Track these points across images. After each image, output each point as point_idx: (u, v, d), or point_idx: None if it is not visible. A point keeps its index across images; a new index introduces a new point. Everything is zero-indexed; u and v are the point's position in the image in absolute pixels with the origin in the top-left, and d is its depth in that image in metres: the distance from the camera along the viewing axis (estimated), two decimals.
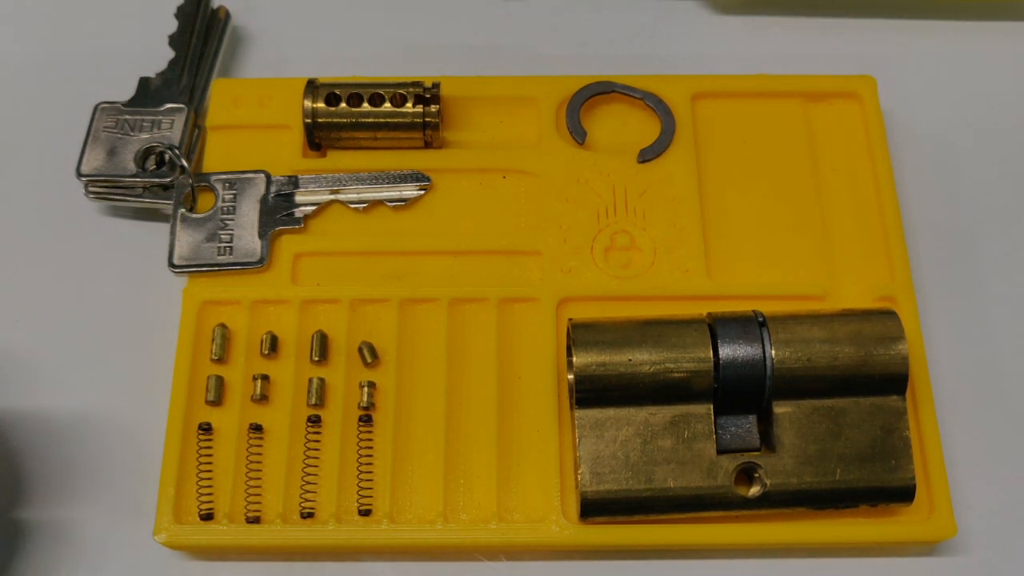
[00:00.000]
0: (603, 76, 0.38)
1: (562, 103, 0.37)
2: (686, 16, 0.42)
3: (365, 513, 0.32)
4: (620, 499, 0.31)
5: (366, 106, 0.36)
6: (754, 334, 0.32)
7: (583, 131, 0.37)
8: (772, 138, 0.37)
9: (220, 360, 0.34)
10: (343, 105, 0.36)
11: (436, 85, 0.36)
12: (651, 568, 0.32)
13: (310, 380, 0.33)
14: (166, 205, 0.36)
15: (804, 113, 0.38)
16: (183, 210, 0.35)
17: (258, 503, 0.32)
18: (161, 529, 0.31)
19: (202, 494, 0.32)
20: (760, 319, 0.32)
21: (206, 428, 0.33)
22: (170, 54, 0.39)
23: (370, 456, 0.33)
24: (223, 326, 0.34)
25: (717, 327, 0.32)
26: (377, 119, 0.36)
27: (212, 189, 0.36)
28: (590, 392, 0.32)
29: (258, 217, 0.35)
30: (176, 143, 0.36)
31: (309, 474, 0.32)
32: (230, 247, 0.35)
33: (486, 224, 0.36)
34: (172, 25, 0.39)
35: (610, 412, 0.32)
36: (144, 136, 0.37)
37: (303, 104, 0.36)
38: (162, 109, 0.37)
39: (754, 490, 0.32)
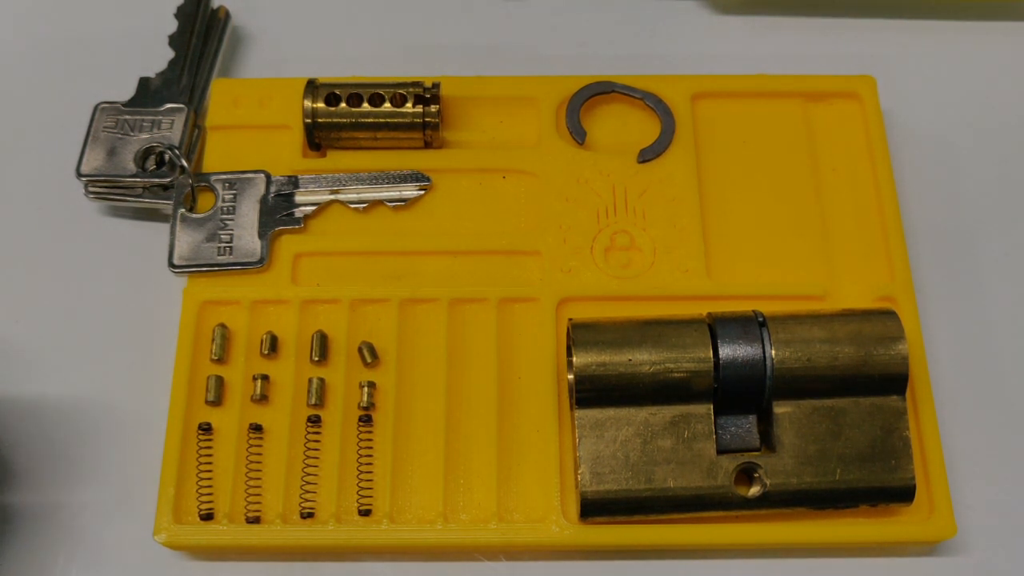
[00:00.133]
0: (603, 76, 0.38)
1: (562, 103, 0.37)
2: (686, 16, 0.42)
3: (365, 513, 0.32)
4: (620, 499, 0.31)
5: (366, 106, 0.36)
6: (754, 334, 0.32)
7: (583, 131, 0.37)
8: (772, 138, 0.37)
9: (220, 360, 0.34)
10: (343, 105, 0.36)
11: (436, 85, 0.36)
12: (651, 568, 0.32)
13: (310, 380, 0.33)
14: (166, 205, 0.36)
15: (804, 113, 0.38)
16: (183, 210, 0.35)
17: (258, 503, 0.32)
18: (161, 529, 0.31)
19: (202, 494, 0.32)
20: (760, 319, 0.32)
21: (206, 428, 0.33)
22: (170, 54, 0.39)
23: (370, 456, 0.33)
24: (223, 326, 0.34)
25: (717, 327, 0.32)
26: (377, 119, 0.36)
27: (212, 189, 0.36)
28: (590, 392, 0.32)
29: (258, 217, 0.35)
30: (176, 143, 0.36)
31: (309, 474, 0.32)
32: (230, 247, 0.35)
33: (486, 224, 0.36)
34: (172, 25, 0.39)
35: (610, 412, 0.32)
36: (144, 136, 0.37)
37: (303, 104, 0.36)
38: (162, 109, 0.37)
39: (754, 490, 0.32)
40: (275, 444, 0.33)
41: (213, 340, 0.34)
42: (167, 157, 0.36)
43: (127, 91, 0.38)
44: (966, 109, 0.40)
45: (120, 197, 0.36)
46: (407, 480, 0.32)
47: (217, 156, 0.36)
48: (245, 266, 0.35)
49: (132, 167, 0.36)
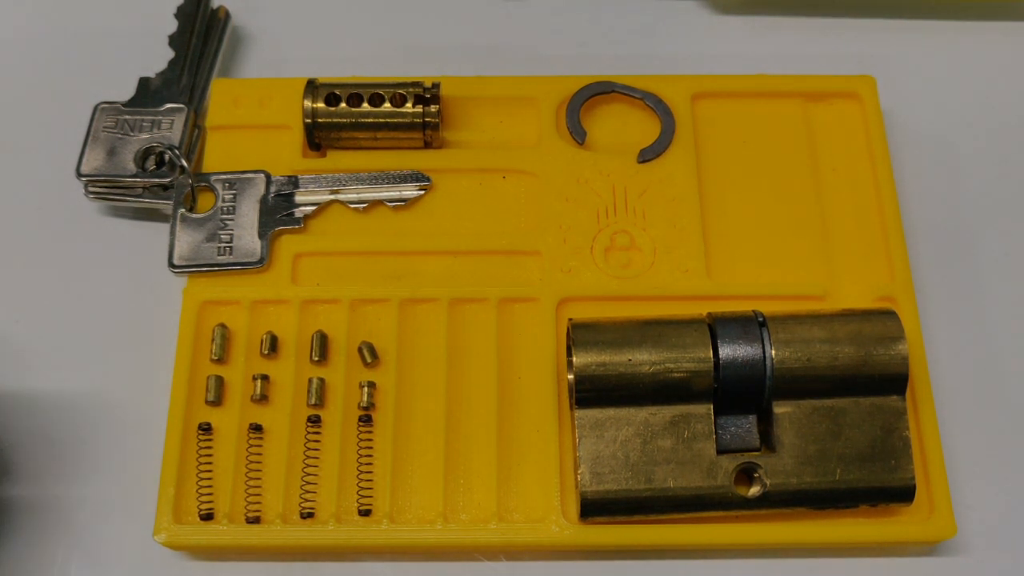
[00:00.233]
0: (603, 76, 0.38)
1: (562, 103, 0.37)
2: (686, 16, 0.42)
3: (365, 513, 0.32)
4: (620, 499, 0.31)
5: (366, 106, 0.36)
6: (754, 334, 0.32)
7: (583, 131, 0.37)
8: (772, 138, 0.37)
9: (220, 360, 0.34)
10: (343, 105, 0.36)
11: (436, 85, 0.36)
12: (651, 568, 0.32)
13: (310, 380, 0.33)
14: (166, 205, 0.36)
15: (804, 113, 0.38)
16: (183, 210, 0.35)
17: (258, 503, 0.32)
18: (161, 529, 0.31)
19: (202, 494, 0.32)
20: (760, 319, 0.32)
21: (206, 428, 0.33)
22: (170, 54, 0.39)
23: (370, 456, 0.33)
24: (223, 326, 0.34)
25: (717, 327, 0.32)
26: (377, 119, 0.36)
27: (212, 189, 0.36)
28: (590, 392, 0.32)
29: (258, 217, 0.35)
30: (176, 143, 0.36)
31: (309, 474, 0.32)
32: (230, 247, 0.35)
33: (486, 224, 0.36)
34: (172, 25, 0.39)
35: (610, 412, 0.32)
36: (144, 136, 0.37)
37: (303, 104, 0.36)
38: (162, 109, 0.37)
39: (754, 490, 0.32)
40: (275, 444, 0.33)
41: (213, 340, 0.34)
42: (167, 157, 0.36)
43: (127, 91, 0.38)
44: (966, 109, 0.40)
45: (120, 197, 0.36)
46: (407, 480, 0.32)
47: (217, 156, 0.36)
48: (245, 266, 0.35)
49: (132, 167, 0.36)
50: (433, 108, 0.36)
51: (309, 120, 0.36)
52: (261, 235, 0.35)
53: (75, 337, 0.35)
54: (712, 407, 0.32)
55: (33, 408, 0.34)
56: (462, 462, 0.33)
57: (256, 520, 0.32)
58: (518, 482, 0.32)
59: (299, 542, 0.31)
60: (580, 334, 0.32)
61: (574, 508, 0.32)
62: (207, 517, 0.32)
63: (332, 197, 0.36)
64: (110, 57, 0.40)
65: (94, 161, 0.36)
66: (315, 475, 0.32)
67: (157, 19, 0.40)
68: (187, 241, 0.35)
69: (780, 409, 0.32)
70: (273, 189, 0.36)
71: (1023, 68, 0.41)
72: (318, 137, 0.36)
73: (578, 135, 0.37)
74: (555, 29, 0.41)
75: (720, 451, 0.32)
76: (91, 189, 0.36)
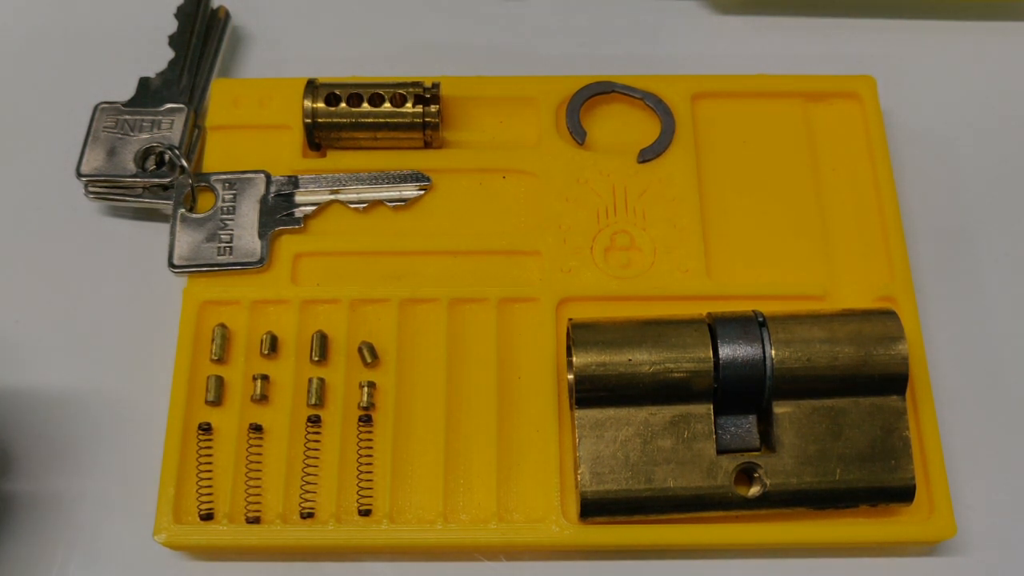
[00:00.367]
0: (603, 76, 0.38)
1: (562, 103, 0.37)
2: (686, 16, 0.42)
3: (365, 513, 0.32)
4: (620, 499, 0.31)
5: (366, 106, 0.36)
6: (754, 334, 0.32)
7: (583, 131, 0.37)
8: (772, 138, 0.37)
9: (220, 360, 0.34)
10: (343, 105, 0.36)
11: (436, 85, 0.36)
12: (651, 568, 0.32)
13: (310, 380, 0.33)
14: (166, 205, 0.36)
15: (804, 113, 0.38)
16: (183, 210, 0.35)
17: (258, 503, 0.32)
18: (161, 529, 0.31)
19: (202, 494, 0.32)
20: (760, 319, 0.32)
21: (206, 428, 0.33)
22: (170, 54, 0.39)
23: (370, 456, 0.33)
24: (223, 326, 0.34)
25: (717, 327, 0.32)
26: (377, 119, 0.36)
27: (212, 189, 0.36)
28: (590, 392, 0.32)
29: (258, 217, 0.35)
30: (176, 143, 0.36)
31: (309, 474, 0.32)
32: (230, 247, 0.35)
33: (486, 224, 0.36)
34: (172, 25, 0.39)
35: (610, 412, 0.32)
36: (144, 136, 0.37)
37: (303, 104, 0.36)
38: (162, 109, 0.37)
39: (754, 490, 0.32)
40: (275, 444, 0.33)
41: (213, 340, 0.34)
42: (167, 157, 0.36)
43: (127, 91, 0.38)
44: (966, 109, 0.40)
45: (120, 197, 0.36)
46: (407, 480, 0.32)
47: (217, 156, 0.36)
48: (245, 266, 0.35)
49: (132, 167, 0.36)
50: (433, 108, 0.36)
51: (309, 120, 0.36)
52: (261, 235, 0.35)
53: (75, 337, 0.35)
54: (712, 407, 0.32)
55: (33, 408, 0.34)
56: (462, 462, 0.33)
57: (256, 520, 0.32)
58: (518, 482, 0.32)
59: (299, 542, 0.31)
60: (580, 334, 0.32)
61: (574, 508, 0.32)
62: (207, 517, 0.32)
63: (332, 197, 0.36)
64: (110, 57, 0.40)
65: (94, 161, 0.36)
66: (315, 475, 0.32)
67: (157, 19, 0.40)
68: (187, 241, 0.35)
69: (780, 409, 0.32)
70: (273, 189, 0.36)
71: (1023, 68, 0.41)
72: (318, 137, 0.36)
73: (578, 135, 0.37)
74: (555, 29, 0.41)
75: (720, 451, 0.32)
76: (91, 189, 0.36)
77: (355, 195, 0.36)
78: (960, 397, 0.35)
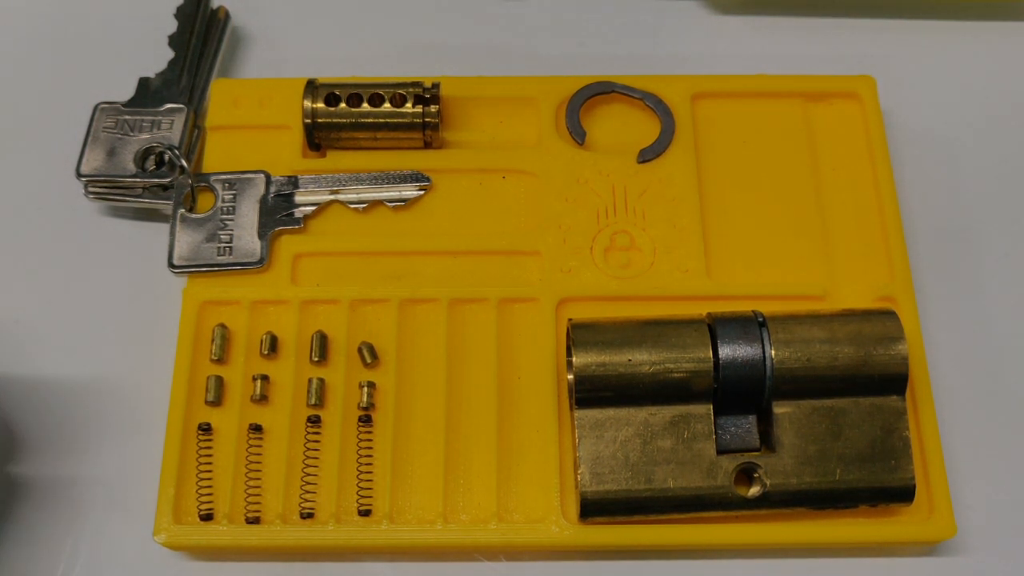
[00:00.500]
0: (603, 76, 0.38)
1: (562, 103, 0.37)
2: (686, 16, 0.42)
3: (365, 513, 0.32)
4: (620, 499, 0.31)
5: (366, 106, 0.36)
6: (754, 334, 0.32)
7: (583, 131, 0.37)
8: (772, 138, 0.37)
9: (220, 360, 0.34)
10: (343, 105, 0.36)
11: (436, 85, 0.36)
12: (651, 568, 0.32)
13: (310, 380, 0.33)
14: (166, 205, 0.36)
15: (804, 113, 0.38)
16: (183, 210, 0.35)
17: (258, 503, 0.32)
18: (161, 529, 0.31)
19: (202, 494, 0.32)
20: (760, 319, 0.32)
21: (206, 428, 0.33)
22: (170, 54, 0.39)
23: (370, 456, 0.33)
24: (223, 326, 0.34)
25: (717, 327, 0.32)
26: (377, 119, 0.36)
27: (212, 189, 0.36)
28: (590, 392, 0.32)
29: (258, 217, 0.35)
30: (176, 143, 0.36)
31: (309, 474, 0.32)
32: (230, 247, 0.35)
33: (486, 224, 0.36)
34: (172, 25, 0.39)
35: (610, 412, 0.32)
36: (144, 136, 0.37)
37: (303, 104, 0.36)
38: (162, 109, 0.37)
39: (754, 490, 0.32)
40: (275, 444, 0.33)
41: (213, 340, 0.34)
42: (167, 157, 0.36)
43: (127, 91, 0.38)
44: (966, 109, 0.40)
45: (120, 197, 0.36)
46: (407, 480, 0.32)
47: (217, 156, 0.36)
48: (245, 266, 0.35)
49: (132, 167, 0.36)
50: (433, 108, 0.36)
51: (309, 120, 0.36)
52: (261, 235, 0.35)
53: (75, 337, 0.35)
54: (712, 407, 0.32)
55: (32, 407, 0.34)
56: (462, 462, 0.33)
57: (256, 520, 0.32)
58: (518, 482, 0.32)
59: (299, 542, 0.31)
60: (580, 334, 0.32)
61: (574, 508, 0.32)
62: (207, 517, 0.32)
63: (332, 197, 0.36)
64: (110, 57, 0.40)
65: (94, 161, 0.36)
66: (315, 475, 0.32)
67: (157, 19, 0.40)
68: (187, 241, 0.35)
69: (780, 409, 0.32)
70: (273, 189, 0.36)
71: (1023, 68, 0.41)
72: (318, 137, 0.36)
73: (578, 135, 0.37)
74: (555, 29, 0.41)
75: (720, 451, 0.32)
76: (91, 189, 0.36)
77: (355, 195, 0.36)
78: (960, 397, 0.35)
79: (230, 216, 0.35)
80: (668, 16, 0.42)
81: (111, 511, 0.33)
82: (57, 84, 0.40)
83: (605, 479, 0.31)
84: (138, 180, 0.36)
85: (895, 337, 0.32)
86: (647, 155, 0.37)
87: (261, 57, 0.41)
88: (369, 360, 0.34)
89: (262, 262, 0.35)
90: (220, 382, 0.33)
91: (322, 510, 0.32)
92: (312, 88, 0.36)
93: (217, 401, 0.33)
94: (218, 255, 0.35)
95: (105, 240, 0.37)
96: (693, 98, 0.37)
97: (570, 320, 0.33)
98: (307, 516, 0.32)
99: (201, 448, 0.33)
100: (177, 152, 0.36)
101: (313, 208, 0.36)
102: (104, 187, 0.36)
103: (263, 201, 0.36)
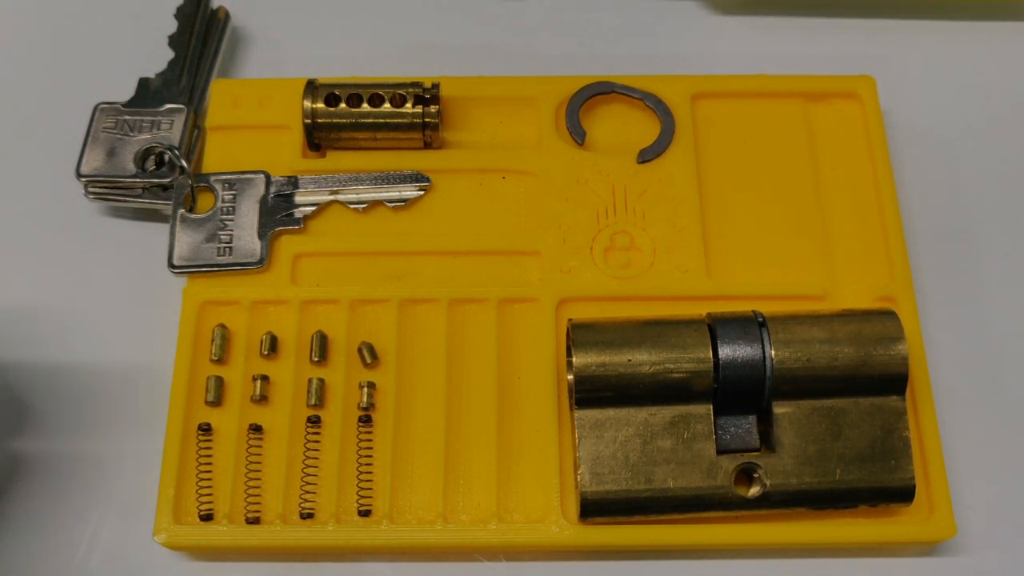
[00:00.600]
0: (603, 76, 0.38)
1: (562, 103, 0.37)
2: (686, 16, 0.42)
3: (365, 514, 0.32)
4: (620, 499, 0.31)
5: (366, 106, 0.36)
6: (754, 334, 0.32)
7: (583, 131, 0.37)
8: (772, 138, 0.37)
9: (220, 360, 0.34)
10: (343, 106, 0.36)
11: (436, 85, 0.36)
12: (651, 568, 0.32)
13: (310, 380, 0.33)
14: (166, 205, 0.36)
15: (804, 113, 0.38)
16: (183, 210, 0.35)
17: (258, 504, 0.32)
18: (161, 529, 0.31)
19: (202, 494, 0.32)
20: (760, 319, 0.32)
21: (206, 428, 0.33)
22: (170, 54, 0.39)
23: (370, 456, 0.33)
24: (223, 326, 0.34)
25: (717, 327, 0.32)
26: (377, 119, 0.36)
27: (212, 189, 0.36)
28: (590, 392, 0.32)
29: (258, 217, 0.35)
30: (176, 143, 0.36)
31: (309, 475, 0.32)
32: (230, 247, 0.35)
33: (486, 224, 0.36)
34: (172, 25, 0.39)
35: (610, 412, 0.32)
36: (144, 136, 0.37)
37: (303, 104, 0.36)
38: (162, 110, 0.37)
39: (754, 490, 0.32)
40: (275, 444, 0.33)
41: (213, 340, 0.34)
42: (167, 157, 0.36)
43: (127, 91, 0.38)
44: (966, 109, 0.40)
45: (120, 197, 0.36)
46: (407, 480, 0.32)
47: (217, 156, 0.36)
48: (245, 266, 0.35)
49: (132, 167, 0.36)
50: (433, 108, 0.36)
51: (309, 120, 0.36)
52: (261, 235, 0.35)
53: (74, 337, 0.35)
54: (712, 407, 0.32)
55: (32, 407, 0.34)
56: (462, 462, 0.33)
57: (256, 521, 0.32)
58: (518, 482, 0.32)
59: (299, 543, 0.31)
60: (580, 334, 0.32)
61: (574, 508, 0.32)
62: (207, 518, 0.32)
63: (332, 197, 0.36)
64: (110, 57, 0.40)
65: (94, 161, 0.36)
66: (315, 475, 0.32)
67: (157, 19, 0.40)
68: (187, 241, 0.35)
69: (780, 409, 0.32)
70: (273, 189, 0.36)
71: (1023, 68, 0.41)
72: (318, 137, 0.36)
73: (578, 135, 0.37)
74: (555, 29, 0.41)
75: (720, 451, 0.32)
76: (91, 189, 0.36)
77: (355, 195, 0.36)
78: (960, 397, 0.35)
79: (230, 216, 0.35)
80: (668, 16, 0.42)
81: (111, 511, 0.33)
82: (57, 84, 0.40)
83: (605, 479, 0.31)
84: (138, 180, 0.36)
85: (895, 337, 0.32)
86: (647, 155, 0.37)
87: (261, 57, 0.41)
88: (369, 360, 0.34)
89: (262, 262, 0.35)
90: (220, 382, 0.33)
91: (322, 510, 0.32)
92: (312, 88, 0.36)
93: (217, 401, 0.33)
94: (218, 255, 0.35)
95: (105, 240, 0.37)
96: (693, 98, 0.37)
97: (570, 320, 0.33)
98: (307, 516, 0.32)
99: (201, 448, 0.33)
100: (177, 152, 0.36)
101: (313, 208, 0.36)
102: (104, 187, 0.36)
103: (263, 201, 0.36)
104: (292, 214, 0.35)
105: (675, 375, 0.31)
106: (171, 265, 0.35)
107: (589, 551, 0.32)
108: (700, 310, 0.33)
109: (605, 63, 0.40)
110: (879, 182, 0.36)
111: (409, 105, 0.36)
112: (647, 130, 0.37)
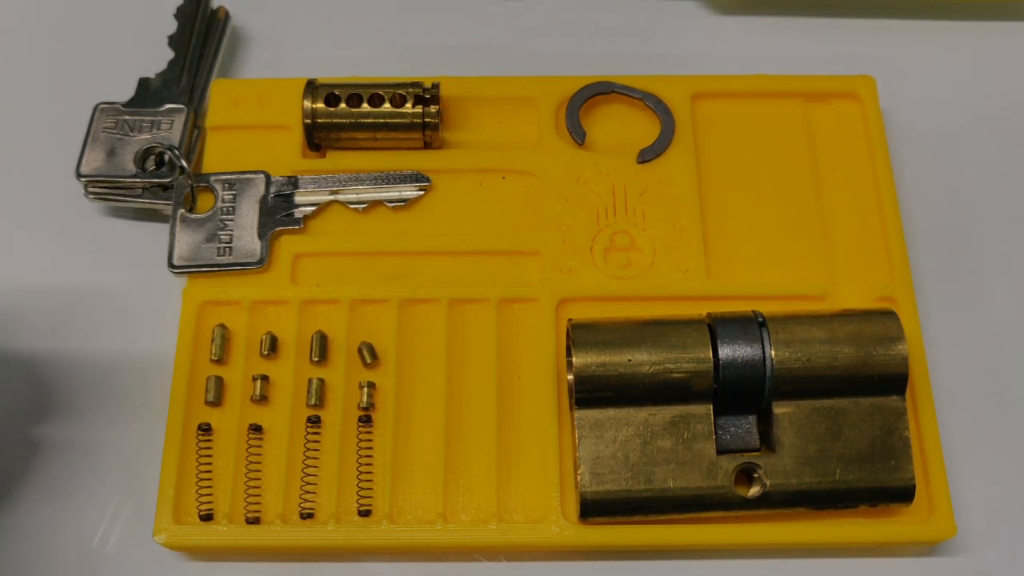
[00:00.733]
0: (603, 76, 0.38)
1: (562, 103, 0.37)
2: (686, 16, 0.42)
3: (365, 514, 0.32)
4: (620, 499, 0.31)
5: (366, 107, 0.36)
6: (754, 334, 0.32)
7: (583, 131, 0.37)
8: (772, 138, 0.37)
9: (220, 361, 0.34)
10: (343, 106, 0.36)
11: (436, 85, 0.36)
12: (651, 568, 0.32)
13: (310, 380, 0.33)
14: (166, 206, 0.36)
15: (804, 113, 0.38)
16: (183, 210, 0.35)
17: (258, 504, 0.32)
18: (161, 530, 0.31)
19: (202, 495, 0.32)
20: (760, 319, 0.32)
21: (206, 428, 0.33)
22: (170, 54, 0.39)
23: (370, 456, 0.33)
24: (223, 326, 0.34)
25: (717, 327, 0.32)
26: (377, 120, 0.36)
27: (212, 189, 0.36)
28: (590, 392, 0.32)
29: (258, 217, 0.35)
30: (176, 143, 0.36)
31: (309, 475, 0.32)
32: (230, 247, 0.35)
33: (486, 224, 0.36)
34: (172, 25, 0.39)
35: (610, 412, 0.32)
36: (144, 137, 0.37)
37: (303, 104, 0.36)
38: (162, 110, 0.37)
39: (754, 490, 0.32)
40: (275, 444, 0.33)
41: (213, 340, 0.34)
42: (167, 157, 0.36)
43: (127, 91, 0.38)
44: (966, 109, 0.40)
45: (120, 197, 0.36)
46: (407, 480, 0.32)
47: (217, 156, 0.36)
48: (245, 266, 0.35)
49: (132, 167, 0.36)
50: (433, 108, 0.36)
51: (309, 120, 0.36)
52: (261, 235, 0.35)
53: (74, 337, 0.35)
54: (712, 407, 0.32)
55: (32, 406, 0.34)
56: (462, 462, 0.33)
57: (256, 521, 0.32)
58: (518, 482, 0.32)
59: (299, 543, 0.31)
60: (580, 334, 0.32)
61: (574, 508, 0.32)
62: (207, 518, 0.32)
63: (332, 197, 0.36)
64: (110, 57, 0.40)
65: (94, 161, 0.36)
66: (315, 475, 0.32)
67: (157, 19, 0.40)
68: (187, 241, 0.35)
69: (780, 409, 0.32)
70: (273, 189, 0.36)
71: (1023, 68, 0.41)
72: (318, 137, 0.36)
73: (578, 135, 0.37)
74: (555, 29, 0.41)
75: (720, 451, 0.32)
76: (91, 189, 0.36)
77: (355, 195, 0.36)
78: (960, 397, 0.35)
79: (230, 216, 0.35)
80: (668, 16, 0.42)
81: (111, 511, 0.33)
82: (57, 84, 0.40)
83: (605, 479, 0.31)
84: (138, 180, 0.36)
85: (895, 337, 0.32)
86: (647, 155, 0.37)
87: (261, 57, 0.41)
88: (369, 360, 0.34)
89: (262, 262, 0.35)
90: (220, 382, 0.33)
91: (322, 510, 0.32)
92: (312, 88, 0.36)
93: (217, 401, 0.33)
94: (218, 255, 0.35)
95: (105, 240, 0.37)
96: (693, 98, 0.37)
97: (570, 320, 0.33)
98: (307, 516, 0.32)
99: (201, 448, 0.33)
100: (177, 152, 0.36)
101: (313, 208, 0.36)
102: (104, 187, 0.36)
103: (263, 201, 0.36)
104: (292, 214, 0.35)
105: (675, 375, 0.31)
106: (171, 265, 0.35)
107: (589, 551, 0.32)
108: (700, 310, 0.33)
109: (605, 63, 0.40)
110: (879, 182, 0.36)
111: (409, 105, 0.36)
112: (647, 130, 0.37)
